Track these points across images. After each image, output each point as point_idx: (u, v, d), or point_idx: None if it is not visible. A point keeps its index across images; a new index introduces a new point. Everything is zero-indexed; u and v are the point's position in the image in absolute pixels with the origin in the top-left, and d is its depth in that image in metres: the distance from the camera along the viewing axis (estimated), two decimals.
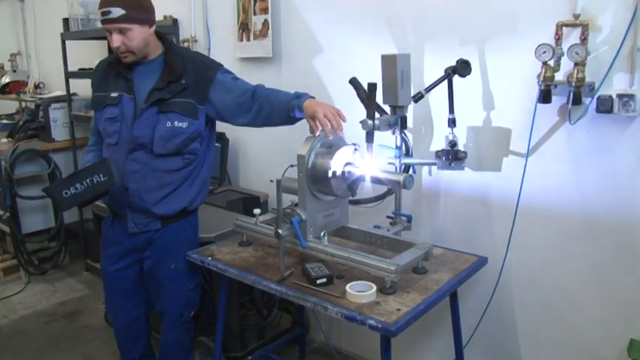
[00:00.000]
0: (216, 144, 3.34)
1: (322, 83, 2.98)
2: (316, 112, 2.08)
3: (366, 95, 2.18)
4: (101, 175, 2.19)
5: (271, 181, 3.20)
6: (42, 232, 4.43)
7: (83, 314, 3.85)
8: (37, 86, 5.30)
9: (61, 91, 4.81)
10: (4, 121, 5.24)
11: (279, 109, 2.26)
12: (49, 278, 4.44)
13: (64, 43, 4.34)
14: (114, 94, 2.33)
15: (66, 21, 4.40)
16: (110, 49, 2.58)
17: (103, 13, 2.16)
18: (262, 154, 3.43)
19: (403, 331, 1.79)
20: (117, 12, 2.15)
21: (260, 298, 3.01)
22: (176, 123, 2.27)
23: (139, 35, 2.22)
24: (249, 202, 3.10)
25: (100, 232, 2.70)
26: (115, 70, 2.37)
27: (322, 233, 2.18)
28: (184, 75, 2.30)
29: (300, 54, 3.09)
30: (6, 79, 5.73)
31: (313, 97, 2.21)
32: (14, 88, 5.55)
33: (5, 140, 4.55)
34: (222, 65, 2.44)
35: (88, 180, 2.19)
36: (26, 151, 4.16)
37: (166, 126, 2.27)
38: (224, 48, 3.51)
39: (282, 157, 3.10)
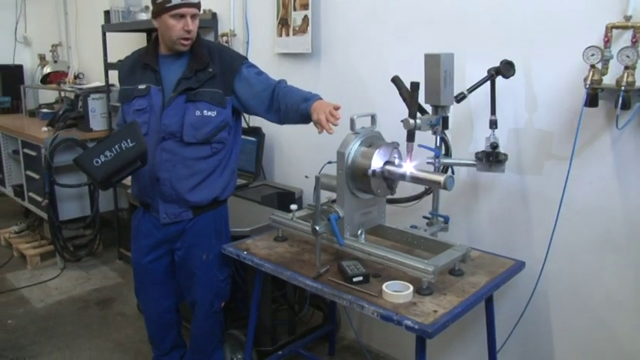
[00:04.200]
0: (252, 138, 3.40)
1: (361, 81, 2.97)
2: (319, 119, 2.12)
3: (409, 94, 2.17)
4: (129, 140, 2.19)
5: (306, 177, 3.24)
6: (78, 220, 4.49)
7: (116, 302, 3.91)
8: (76, 77, 5.39)
9: (99, 82, 4.88)
10: (45, 110, 5.33)
11: (292, 110, 2.31)
12: (84, 265, 4.52)
13: (104, 35, 4.40)
14: (142, 86, 2.38)
15: (107, 13, 4.47)
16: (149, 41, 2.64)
17: None
18: (297, 150, 3.43)
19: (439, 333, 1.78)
20: None
21: (292, 293, 3.02)
22: (205, 112, 2.32)
23: (197, 23, 2.33)
24: (283, 198, 3.11)
25: None
26: (141, 63, 2.42)
27: (359, 231, 2.17)
28: (211, 64, 2.35)
29: (340, 51, 3.08)
30: (47, 70, 5.86)
31: (321, 99, 2.24)
32: (55, 78, 5.66)
33: (45, 129, 4.63)
34: (246, 58, 2.50)
35: (117, 146, 2.17)
36: (65, 140, 4.22)
37: (195, 115, 2.32)
38: (262, 43, 3.52)
39: (317, 153, 3.11)
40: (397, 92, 2.31)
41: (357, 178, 2.11)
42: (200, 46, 2.39)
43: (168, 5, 2.25)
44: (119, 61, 4.47)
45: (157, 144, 2.35)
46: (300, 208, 2.46)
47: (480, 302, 2.04)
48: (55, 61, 6.03)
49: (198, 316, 2.64)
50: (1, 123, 5.20)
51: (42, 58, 6.16)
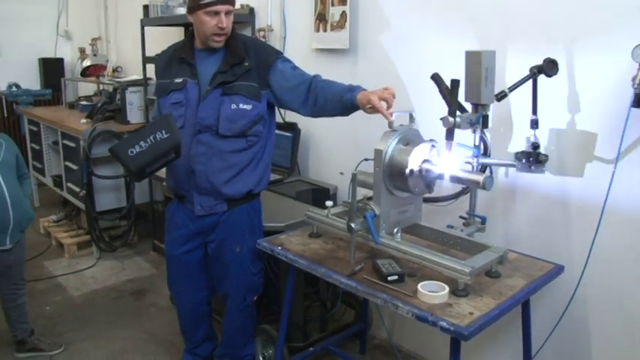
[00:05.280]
0: (288, 133, 3.40)
1: (399, 77, 2.93)
2: (371, 99, 2.10)
3: (449, 92, 2.13)
4: (163, 131, 2.21)
5: (341, 173, 3.23)
6: (114, 211, 4.56)
7: (149, 293, 3.97)
8: (115, 70, 5.48)
9: (137, 75, 4.95)
10: (84, 103, 5.42)
11: (333, 101, 2.29)
12: (119, 255, 4.59)
13: (142, 29, 4.46)
14: (178, 80, 2.42)
15: (146, 7, 4.52)
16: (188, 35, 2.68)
17: None
18: (333, 146, 3.42)
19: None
20: None
21: (325, 290, 3.01)
22: (241, 105, 2.35)
23: (232, 19, 2.36)
24: (318, 194, 3.10)
25: None
26: (177, 57, 2.46)
27: (395, 230, 2.14)
28: (246, 58, 2.38)
29: (378, 47, 3.05)
30: (87, 63, 5.97)
31: (365, 90, 2.21)
32: (94, 71, 5.76)
33: (84, 121, 4.71)
34: (281, 53, 2.51)
35: (151, 137, 2.20)
36: (103, 132, 4.29)
37: (231, 108, 2.35)
38: (300, 38, 3.51)
39: (352, 150, 3.10)
40: (436, 90, 2.29)
41: (395, 176, 2.09)
42: (236, 40, 2.42)
43: (203, 2, 2.28)
44: (157, 55, 4.54)
45: (193, 137, 2.39)
46: (334, 204, 2.44)
47: (517, 305, 2.00)
48: (95, 55, 6.13)
49: (231, 309, 2.66)
50: (42, 114, 5.31)
51: (82, 51, 6.27)
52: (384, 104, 2.09)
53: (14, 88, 5.92)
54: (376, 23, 3.04)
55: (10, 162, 2.86)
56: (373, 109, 2.11)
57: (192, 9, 2.34)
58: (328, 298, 3.06)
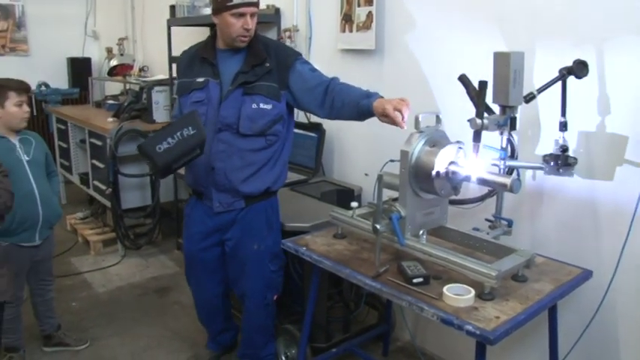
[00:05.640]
0: (313, 134, 3.40)
1: (425, 78, 2.92)
2: (386, 109, 2.11)
3: (476, 93, 2.12)
4: (190, 127, 2.26)
5: (366, 174, 3.22)
6: (139, 209, 4.61)
7: (173, 291, 4.00)
8: (141, 70, 5.54)
9: (163, 75, 4.99)
10: (110, 102, 5.48)
11: (349, 105, 2.32)
12: (143, 253, 4.63)
13: (169, 29, 4.50)
14: (200, 79, 2.48)
15: (172, 8, 4.56)
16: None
17: None
18: (358, 147, 3.41)
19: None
20: None
21: (348, 291, 3.00)
22: (261, 105, 2.41)
23: (256, 21, 2.42)
24: (343, 195, 3.10)
25: None
26: (200, 57, 2.51)
27: (421, 232, 2.13)
28: (268, 59, 2.42)
29: (404, 48, 3.04)
30: (114, 63, 6.04)
31: (382, 97, 2.24)
32: (121, 70, 5.83)
33: (111, 120, 4.75)
34: (301, 54, 2.56)
35: (178, 133, 2.24)
36: (129, 131, 4.33)
37: (252, 107, 2.40)
38: (325, 39, 3.51)
39: (377, 151, 3.10)
40: (463, 91, 2.27)
41: (421, 177, 2.07)
42: (257, 41, 2.47)
43: (229, 4, 2.34)
44: (179, 57, 4.57)
45: (214, 135, 2.44)
46: (359, 205, 2.44)
47: (544, 310, 1.97)
48: (122, 54, 6.21)
49: (250, 308, 2.68)
50: (69, 113, 5.39)
51: (109, 51, 6.35)
52: (398, 114, 2.09)
53: (43, 88, 6.02)
54: (403, 24, 3.02)
55: (39, 160, 2.91)
56: (388, 119, 2.13)
57: (218, 10, 2.39)
58: (352, 299, 3.06)
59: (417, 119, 2.09)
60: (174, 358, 3.16)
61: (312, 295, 2.51)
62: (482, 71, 2.17)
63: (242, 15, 2.35)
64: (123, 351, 3.23)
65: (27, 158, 2.83)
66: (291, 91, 2.46)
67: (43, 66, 6.56)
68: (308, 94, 2.45)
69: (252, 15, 2.37)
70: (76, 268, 4.38)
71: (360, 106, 2.27)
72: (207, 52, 2.51)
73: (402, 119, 2.08)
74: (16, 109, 2.74)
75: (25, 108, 2.79)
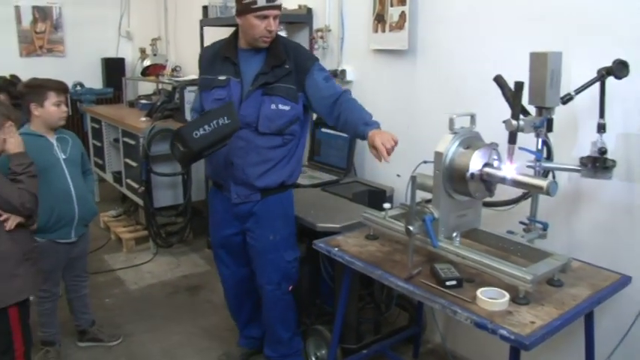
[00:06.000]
0: (345, 134, 3.38)
1: (459, 79, 2.89)
2: (374, 141, 2.28)
3: (512, 94, 2.09)
4: (225, 117, 2.35)
5: (398, 175, 3.20)
6: (170, 208, 4.66)
7: (204, 290, 4.03)
8: (173, 70, 5.59)
9: (195, 75, 5.01)
10: (143, 101, 5.55)
11: (350, 125, 2.48)
12: (174, 252, 4.69)
13: (201, 29, 4.54)
14: (222, 77, 2.57)
15: (205, 8, 4.60)
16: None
17: (269, 0, 2.41)
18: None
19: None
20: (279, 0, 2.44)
21: (380, 292, 2.99)
22: (280, 106, 2.51)
23: (278, 21, 2.52)
24: (374, 195, 3.09)
25: None
26: (222, 55, 2.59)
27: (454, 234, 2.11)
28: (287, 61, 2.48)
29: (437, 48, 3.01)
30: (147, 63, 6.12)
31: (379, 128, 2.39)
32: (154, 71, 5.89)
33: (144, 119, 4.81)
34: (317, 59, 2.65)
35: (214, 122, 2.34)
36: (162, 131, 4.38)
37: (271, 108, 2.51)
38: (357, 39, 3.50)
39: (409, 151, 3.05)
40: (497, 92, 2.24)
41: (455, 179, 2.05)
42: (277, 43, 2.55)
43: (253, 7, 2.42)
44: (200, 54, 4.60)
45: None
46: (391, 207, 2.43)
47: (581, 316, 1.93)
48: (155, 55, 6.29)
49: (267, 298, 2.76)
50: (103, 112, 5.47)
51: (142, 51, 6.44)
52: (383, 148, 2.26)
53: (78, 87, 6.13)
54: (436, 23, 3.00)
55: (75, 158, 2.96)
56: (375, 150, 2.29)
57: (242, 12, 2.48)
58: (382, 301, 3.04)
59: (451, 120, 2.08)
60: (205, 355, 3.19)
61: (344, 296, 2.50)
62: (517, 72, 2.13)
63: (265, 17, 2.44)
64: (154, 348, 3.27)
65: (64, 157, 2.88)
66: (307, 94, 2.57)
67: (78, 66, 6.69)
68: (319, 101, 2.56)
69: (274, 17, 2.47)
70: (109, 265, 4.45)
71: (357, 131, 2.44)
72: (229, 51, 2.60)
73: (387, 154, 2.26)
74: (54, 108, 2.79)
75: (64, 108, 2.85)
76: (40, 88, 2.77)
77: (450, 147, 2.05)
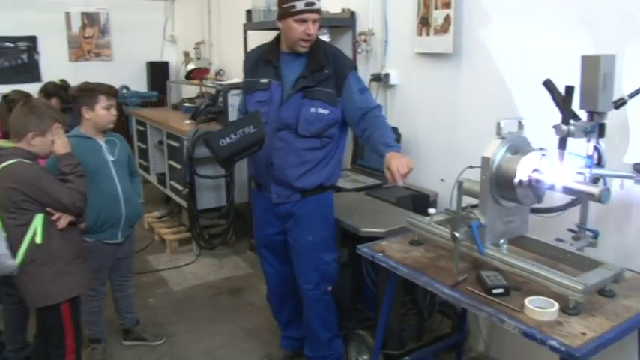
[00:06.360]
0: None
1: (505, 83, 2.84)
2: (390, 164, 2.33)
3: (562, 99, 2.04)
4: (251, 126, 2.44)
5: (442, 180, 3.16)
6: (213, 210, 4.71)
7: (246, 292, 4.07)
8: (217, 73, 5.67)
9: (238, 78, 5.07)
10: (187, 105, 5.64)
11: (373, 142, 2.52)
12: (217, 254, 4.74)
13: (245, 33, 4.58)
14: (264, 80, 2.65)
15: (249, 12, 4.64)
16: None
17: (308, 4, 2.45)
18: (434, 152, 3.35)
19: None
20: (319, 4, 2.49)
21: (423, 298, 2.96)
22: (319, 109, 2.55)
23: (318, 26, 2.57)
24: (418, 200, 3.07)
25: None
26: (265, 59, 2.65)
27: (501, 241, 2.07)
28: (327, 66, 2.53)
29: (483, 51, 2.96)
30: (191, 66, 6.20)
31: (399, 152, 2.44)
32: (198, 74, 5.98)
33: (188, 122, 4.88)
34: (356, 68, 2.70)
35: (240, 131, 2.43)
36: (206, 134, 4.41)
37: (310, 111, 2.55)
38: (401, 42, 3.48)
39: (454, 156, 3.04)
40: (546, 96, 2.19)
41: (502, 185, 2.02)
42: (318, 47, 2.60)
43: (293, 11, 2.47)
44: (245, 57, 4.63)
45: (274, 133, 2.60)
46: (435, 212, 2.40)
47: (635, 329, 1.87)
48: (198, 58, 6.36)
49: (307, 298, 2.79)
50: (148, 115, 5.58)
51: (186, 55, 6.53)
52: (397, 173, 2.31)
53: (124, 90, 6.26)
54: (482, 27, 2.96)
55: (123, 160, 3.02)
56: (388, 172, 2.34)
57: (282, 16, 2.54)
58: (425, 307, 3.01)
59: (498, 125, 2.04)
60: (247, 357, 3.21)
61: (387, 302, 2.48)
62: (567, 75, 2.09)
63: (304, 21, 2.48)
64: (197, 348, 3.31)
65: (112, 159, 2.94)
66: (342, 99, 2.60)
67: (124, 70, 6.87)
68: (351, 111, 2.59)
69: (313, 21, 2.51)
70: (153, 266, 4.53)
71: (377, 149, 2.48)
72: (271, 55, 2.66)
73: (400, 178, 2.31)
74: (104, 112, 2.86)
75: (113, 111, 2.91)
76: (91, 91, 2.85)
77: (498, 152, 2.01)
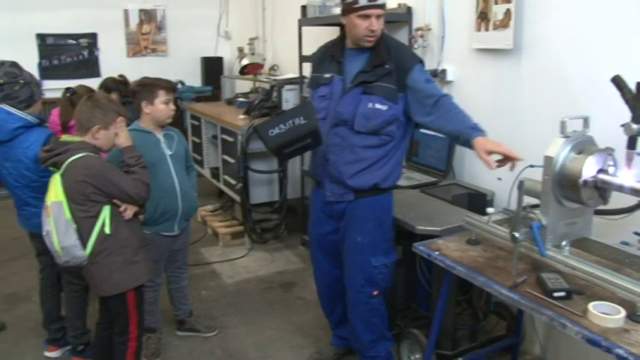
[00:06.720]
0: (444, 135, 3.31)
1: (568, 79, 2.74)
2: (500, 148, 2.22)
3: (632, 96, 1.95)
4: (302, 117, 2.41)
5: (499, 179, 3.09)
6: (266, 205, 4.76)
7: (297, 287, 4.08)
8: (271, 68, 5.70)
9: (292, 74, 5.10)
10: (241, 100, 5.68)
11: (452, 127, 2.41)
12: (269, 248, 4.78)
13: (300, 29, 4.58)
14: (327, 75, 2.64)
15: (304, 8, 4.64)
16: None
17: None
18: None
19: None
20: None
21: (478, 298, 2.90)
22: (377, 105, 2.49)
23: (382, 22, 2.50)
24: (474, 199, 3.01)
25: None
26: (329, 55, 2.65)
27: (563, 243, 2.01)
28: (389, 61, 2.50)
29: (545, 46, 2.87)
30: (245, 62, 6.26)
31: (486, 136, 2.31)
32: (252, 69, 6.04)
33: (242, 117, 4.91)
34: (421, 60, 2.58)
35: (290, 121, 2.41)
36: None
37: (368, 107, 2.50)
38: (459, 38, 3.41)
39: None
40: (614, 93, 2.10)
41: (566, 185, 1.95)
42: (382, 42, 2.54)
43: (355, 6, 2.44)
44: (313, 53, 4.65)
45: (331, 128, 2.57)
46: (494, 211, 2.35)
47: None
48: (252, 54, 6.42)
49: (351, 300, 2.76)
50: (203, 110, 5.65)
51: (240, 50, 6.59)
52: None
53: (179, 85, 6.37)
54: (544, 21, 2.86)
55: (180, 154, 3.08)
56: (495, 153, 2.22)
57: (346, 12, 2.51)
58: (480, 308, 2.95)
59: (562, 124, 1.98)
60: (298, 352, 3.22)
61: (442, 301, 2.45)
62: (638, 72, 2.00)
63: (368, 16, 2.44)
64: (248, 341, 3.35)
65: (170, 152, 2.99)
66: (406, 95, 2.52)
67: (179, 65, 6.99)
68: (419, 101, 2.49)
69: (377, 17, 2.46)
70: (206, 258, 4.60)
71: (464, 133, 2.35)
72: (335, 50, 2.65)
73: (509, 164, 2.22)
74: (163, 106, 2.91)
75: (172, 106, 2.96)
76: (151, 86, 2.90)
77: (562, 151, 1.95)
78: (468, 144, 2.34)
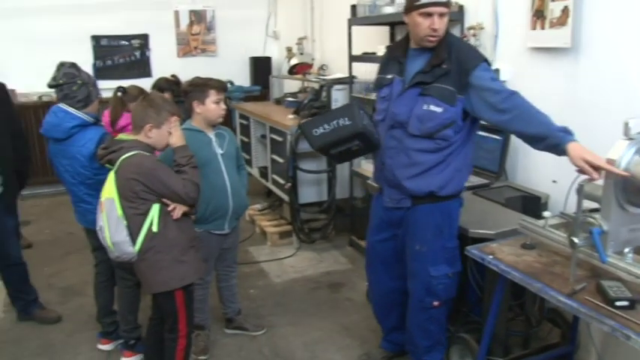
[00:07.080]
0: (497, 137, 3.25)
1: (630, 78, 2.63)
2: (599, 162, 1.96)
3: None
4: (346, 118, 2.39)
5: (554, 181, 3.00)
6: (314, 205, 4.76)
7: (345, 287, 4.07)
8: (320, 68, 5.70)
9: (341, 74, 5.08)
10: (290, 99, 5.70)
11: (536, 128, 2.23)
12: (317, 248, 4.78)
13: (349, 28, 4.56)
14: (389, 76, 2.58)
15: (353, 7, 4.62)
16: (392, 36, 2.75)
17: None
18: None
19: None
20: None
21: (531, 304, 2.82)
22: (432, 107, 2.40)
23: (446, 21, 2.41)
24: (528, 202, 2.93)
25: (368, 211, 2.90)
26: (393, 55, 2.60)
27: (626, 249, 1.93)
28: (447, 61, 2.40)
29: (605, 45, 2.77)
30: (293, 61, 6.28)
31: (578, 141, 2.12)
32: (300, 69, 6.06)
33: (291, 117, 4.93)
34: (485, 59, 2.46)
35: (334, 122, 2.41)
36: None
37: (423, 108, 2.41)
38: (513, 36, 3.32)
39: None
40: None
41: (630, 190, 1.88)
42: (443, 42, 2.45)
43: (417, 4, 2.37)
44: (363, 53, 4.63)
45: (387, 131, 2.52)
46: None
47: None
48: (301, 54, 6.44)
49: (411, 307, 2.72)
50: (251, 109, 5.71)
51: (289, 50, 6.62)
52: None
53: (229, 85, 6.44)
54: (605, 18, 2.76)
55: (231, 153, 3.10)
56: (589, 167, 1.99)
57: (408, 9, 2.44)
58: (533, 314, 2.87)
59: (626, 125, 1.90)
60: (346, 353, 3.21)
61: (494, 306, 2.39)
62: None
63: (430, 15, 2.36)
64: (296, 341, 3.35)
65: (221, 152, 3.02)
66: (470, 96, 2.39)
67: (228, 65, 7.08)
68: (483, 101, 2.36)
69: (440, 15, 2.37)
70: (254, 257, 4.64)
71: (551, 137, 2.17)
72: (398, 51, 2.60)
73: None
74: (214, 106, 2.95)
75: (223, 105, 2.99)
76: (202, 86, 2.94)
77: (625, 154, 1.88)
78: (557, 148, 2.16)
